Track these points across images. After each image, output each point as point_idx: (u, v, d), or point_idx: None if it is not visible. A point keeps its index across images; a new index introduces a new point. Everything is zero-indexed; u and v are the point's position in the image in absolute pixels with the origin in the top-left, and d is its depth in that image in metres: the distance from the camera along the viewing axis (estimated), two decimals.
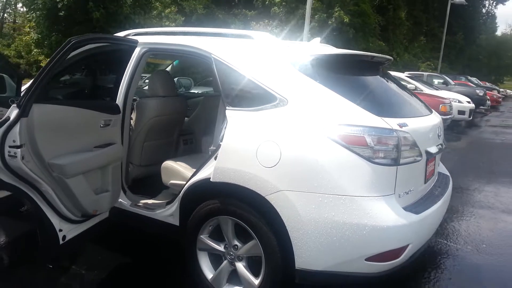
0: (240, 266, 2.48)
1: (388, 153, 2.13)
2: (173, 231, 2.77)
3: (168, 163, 3.05)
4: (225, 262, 2.54)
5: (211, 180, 2.43)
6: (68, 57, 2.31)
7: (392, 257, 2.17)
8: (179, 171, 2.98)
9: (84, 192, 2.44)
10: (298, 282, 2.28)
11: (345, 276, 2.20)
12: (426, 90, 11.92)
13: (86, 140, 2.50)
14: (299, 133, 2.21)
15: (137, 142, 3.22)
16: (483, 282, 3.05)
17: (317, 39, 3.03)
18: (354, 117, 2.18)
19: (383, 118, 2.21)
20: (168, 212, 2.77)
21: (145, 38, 2.98)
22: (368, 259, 2.13)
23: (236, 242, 2.48)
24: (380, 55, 2.73)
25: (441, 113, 6.97)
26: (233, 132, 2.39)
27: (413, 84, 11.79)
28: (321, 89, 2.30)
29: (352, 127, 2.15)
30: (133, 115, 3.23)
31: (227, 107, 2.47)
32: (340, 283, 2.25)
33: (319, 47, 2.73)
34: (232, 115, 2.43)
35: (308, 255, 2.19)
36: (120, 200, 2.98)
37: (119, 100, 2.86)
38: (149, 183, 3.33)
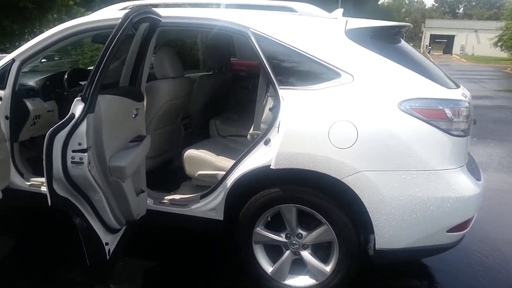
0: (307, 254, 2.35)
1: (462, 125, 2.13)
2: (215, 226, 2.52)
3: (192, 152, 2.75)
4: (287, 252, 2.38)
5: (271, 167, 2.22)
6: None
7: (466, 226, 2.21)
8: (208, 161, 2.71)
9: (133, 195, 2.08)
10: (376, 262, 2.23)
11: (426, 250, 2.20)
12: None
13: (125, 133, 2.12)
14: (375, 111, 2.11)
15: (148, 131, 2.84)
16: None
17: (340, 10, 2.89)
18: (429, 90, 2.14)
19: (451, 90, 2.20)
20: (208, 206, 2.51)
21: (159, 11, 2.58)
22: (449, 231, 2.15)
23: (300, 231, 2.34)
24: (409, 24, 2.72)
25: None
26: (295, 114, 2.20)
27: None
28: (385, 62, 2.21)
29: (430, 100, 2.10)
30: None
31: (279, 87, 2.25)
32: (419, 257, 2.26)
33: (364, 20, 2.61)
34: (290, 95, 2.23)
35: (390, 234, 2.14)
36: None
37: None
38: (160, 175, 2.98)
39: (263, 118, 2.47)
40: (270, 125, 2.33)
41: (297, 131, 2.18)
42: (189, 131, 3.41)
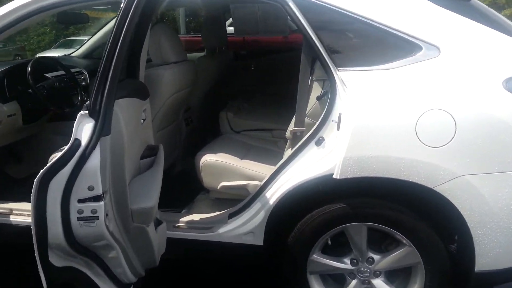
0: (380, 283, 1.82)
1: None
2: (252, 253, 1.95)
3: (211, 159, 2.13)
4: (354, 282, 1.85)
5: (335, 177, 1.66)
6: None
7: None
8: (232, 168, 2.10)
9: (155, 236, 1.46)
10: (473, 285, 1.75)
11: None
12: None
13: (136, 148, 1.48)
14: (473, 93, 1.57)
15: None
16: None
17: None
18: None
19: None
20: (243, 229, 1.92)
21: None
22: None
23: (371, 254, 1.80)
24: None
25: None
26: (365, 103, 1.63)
27: None
28: (479, 28, 1.67)
29: None
30: None
31: (338, 68, 1.67)
32: None
33: None
34: (354, 78, 1.65)
35: (496, 253, 1.64)
36: None
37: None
38: (165, 187, 2.35)
39: (308, 110, 1.88)
40: (323, 119, 1.76)
41: (370, 128, 1.61)
42: (191, 127, 2.77)
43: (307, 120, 1.89)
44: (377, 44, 1.67)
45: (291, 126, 1.94)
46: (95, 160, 1.08)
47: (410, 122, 1.56)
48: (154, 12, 1.79)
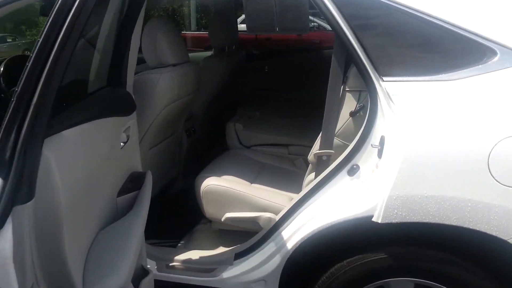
0: None
1: None
2: None
3: (213, 184, 1.74)
4: None
5: (376, 220, 1.26)
6: None
7: None
8: (240, 196, 1.71)
9: None
10: None
11: None
12: None
13: (109, 184, 1.10)
14: None
15: (141, 149, 1.79)
16: None
17: None
18: None
19: None
20: (252, 276, 1.54)
21: None
22: None
23: None
24: None
25: None
26: (419, 125, 1.23)
27: None
28: None
29: None
30: None
31: (383, 77, 1.27)
32: None
33: None
34: (406, 91, 1.25)
35: None
36: None
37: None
38: (157, 214, 1.97)
39: (338, 128, 1.49)
40: (359, 142, 1.36)
41: (426, 158, 1.21)
42: (193, 138, 2.38)
43: (336, 141, 1.50)
44: (436, 47, 1.26)
45: (315, 147, 1.54)
46: (2, 247, 0.69)
47: (481, 153, 1.16)
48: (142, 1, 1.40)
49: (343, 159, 1.40)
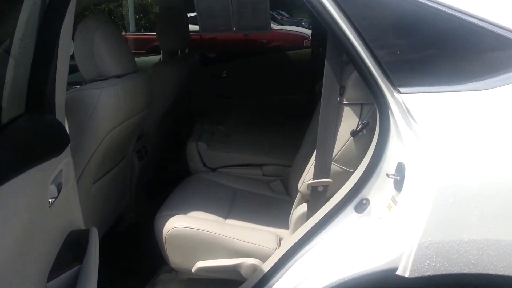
0: None
1: None
2: None
3: (178, 225, 1.37)
4: None
5: (402, 274, 0.98)
6: None
7: None
8: (217, 240, 1.36)
9: None
10: None
11: None
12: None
13: (32, 269, 0.71)
14: None
15: (82, 186, 1.38)
16: None
17: None
18: None
19: None
20: None
21: None
22: None
23: None
24: None
25: None
26: (455, 149, 0.95)
27: None
28: None
29: None
30: None
31: (399, 88, 0.98)
32: None
33: None
34: (433, 105, 0.96)
35: None
36: None
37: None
38: (104, 261, 1.57)
39: (336, 152, 1.18)
40: (369, 170, 1.07)
41: (468, 191, 0.94)
42: (146, 160, 1.98)
43: (334, 166, 1.19)
44: (469, 49, 0.99)
45: (307, 175, 1.23)
46: None
47: None
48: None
49: (348, 191, 1.10)
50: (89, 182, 1.42)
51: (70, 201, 0.98)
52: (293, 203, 1.36)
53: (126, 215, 1.95)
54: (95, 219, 1.50)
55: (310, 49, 2.80)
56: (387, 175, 1.03)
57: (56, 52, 1.03)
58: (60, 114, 1.10)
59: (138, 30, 9.17)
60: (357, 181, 1.09)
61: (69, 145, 1.01)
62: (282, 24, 8.72)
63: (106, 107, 1.34)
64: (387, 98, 1.01)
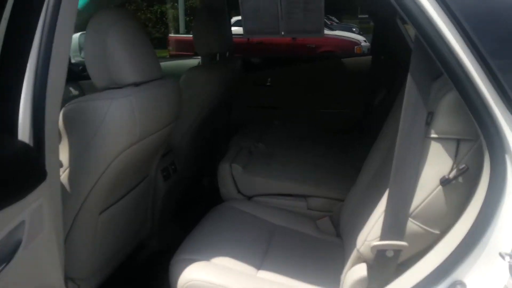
0: None
1: None
2: None
3: (196, 278, 1.08)
4: None
5: None
6: None
7: None
8: None
9: None
10: None
11: None
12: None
13: None
14: None
15: (83, 220, 1.13)
16: None
17: None
18: None
19: None
20: None
21: None
22: None
23: None
24: None
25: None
26: None
27: None
28: None
29: None
30: (64, 152, 1.08)
31: None
32: None
33: None
34: None
35: None
36: None
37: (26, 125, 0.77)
38: None
39: (417, 205, 0.84)
40: (466, 243, 0.72)
41: None
42: (172, 180, 1.71)
43: (412, 225, 0.85)
44: None
45: (372, 232, 0.90)
46: None
47: None
48: None
49: (434, 269, 0.76)
50: (92, 215, 1.15)
51: (40, 258, 0.71)
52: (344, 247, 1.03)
53: (147, 242, 1.69)
54: (103, 251, 1.25)
55: (367, 57, 2.45)
56: (501, 255, 0.68)
57: (48, 63, 0.77)
58: (51, 132, 0.84)
59: (187, 32, 9.15)
60: (449, 255, 0.75)
61: (46, 173, 0.73)
62: (332, 29, 8.32)
63: (115, 122, 1.07)
64: (504, 134, 0.66)
